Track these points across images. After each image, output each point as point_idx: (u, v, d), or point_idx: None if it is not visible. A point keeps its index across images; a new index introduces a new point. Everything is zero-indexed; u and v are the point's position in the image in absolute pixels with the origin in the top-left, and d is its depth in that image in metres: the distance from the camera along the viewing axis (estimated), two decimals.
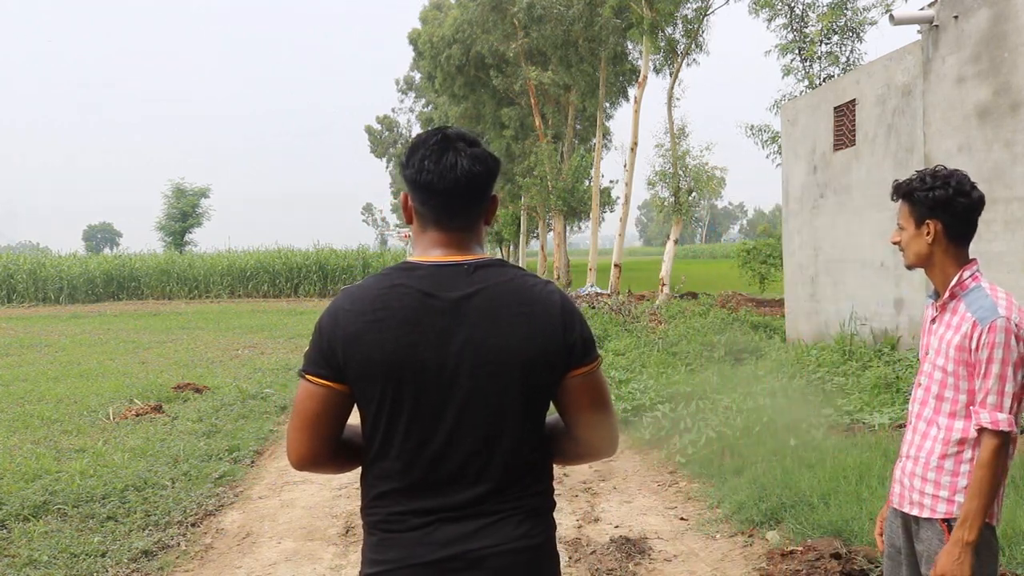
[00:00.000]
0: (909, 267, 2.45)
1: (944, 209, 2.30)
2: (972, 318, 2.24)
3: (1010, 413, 2.19)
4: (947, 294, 2.34)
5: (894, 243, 2.44)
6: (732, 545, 4.68)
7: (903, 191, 2.38)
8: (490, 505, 1.69)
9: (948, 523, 2.28)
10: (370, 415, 1.69)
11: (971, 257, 2.37)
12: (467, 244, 1.73)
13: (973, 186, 2.33)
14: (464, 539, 1.67)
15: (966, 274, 2.32)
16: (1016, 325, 2.20)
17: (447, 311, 1.65)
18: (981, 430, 2.22)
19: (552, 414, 1.79)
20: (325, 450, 1.72)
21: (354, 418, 1.76)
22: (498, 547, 1.67)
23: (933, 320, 2.41)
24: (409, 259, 1.73)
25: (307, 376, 1.69)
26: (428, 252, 1.72)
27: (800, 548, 4.26)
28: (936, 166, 2.39)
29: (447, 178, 1.68)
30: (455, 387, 1.65)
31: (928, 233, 2.33)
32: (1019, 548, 3.89)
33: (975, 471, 2.22)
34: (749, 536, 4.74)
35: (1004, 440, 2.19)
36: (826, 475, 5.13)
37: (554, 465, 1.85)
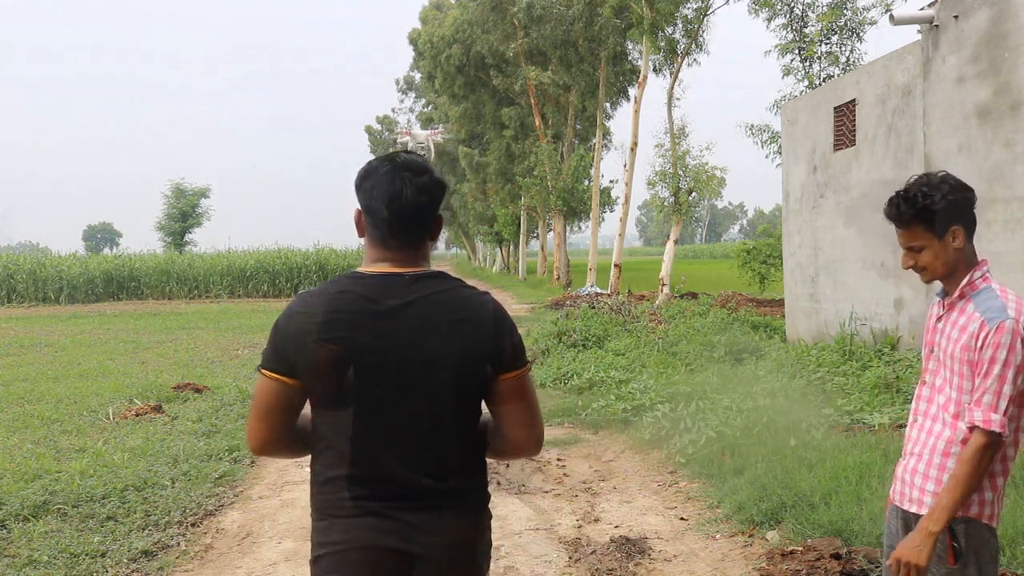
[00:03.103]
0: (929, 281, 2.39)
1: (964, 212, 2.29)
2: (980, 318, 2.23)
3: (1004, 415, 2.17)
4: (956, 293, 2.32)
5: (908, 267, 2.36)
6: (732, 545, 4.68)
7: (913, 213, 2.28)
8: (430, 498, 1.84)
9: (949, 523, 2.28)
10: (320, 408, 1.86)
11: (980, 258, 2.36)
12: (411, 259, 1.90)
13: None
14: (406, 528, 1.82)
15: (976, 274, 2.31)
16: None
17: (388, 316, 1.82)
18: (972, 427, 2.20)
19: (485, 412, 1.96)
20: (280, 437, 1.88)
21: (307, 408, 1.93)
22: (437, 537, 1.83)
23: (939, 319, 2.40)
24: (358, 269, 1.91)
25: (264, 371, 1.85)
26: (374, 264, 1.90)
27: (800, 548, 4.27)
28: (921, 177, 2.33)
29: (393, 206, 1.86)
30: (397, 386, 1.82)
31: (955, 239, 2.29)
32: (1020, 548, 3.88)
33: (956, 466, 2.21)
34: (749, 536, 4.74)
35: (993, 440, 2.18)
36: (826, 475, 5.13)
37: (491, 460, 2.02)
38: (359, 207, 1.93)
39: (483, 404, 1.96)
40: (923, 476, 2.34)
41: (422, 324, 1.83)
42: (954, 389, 2.29)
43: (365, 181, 1.90)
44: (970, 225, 2.32)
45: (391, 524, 1.81)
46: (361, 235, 1.96)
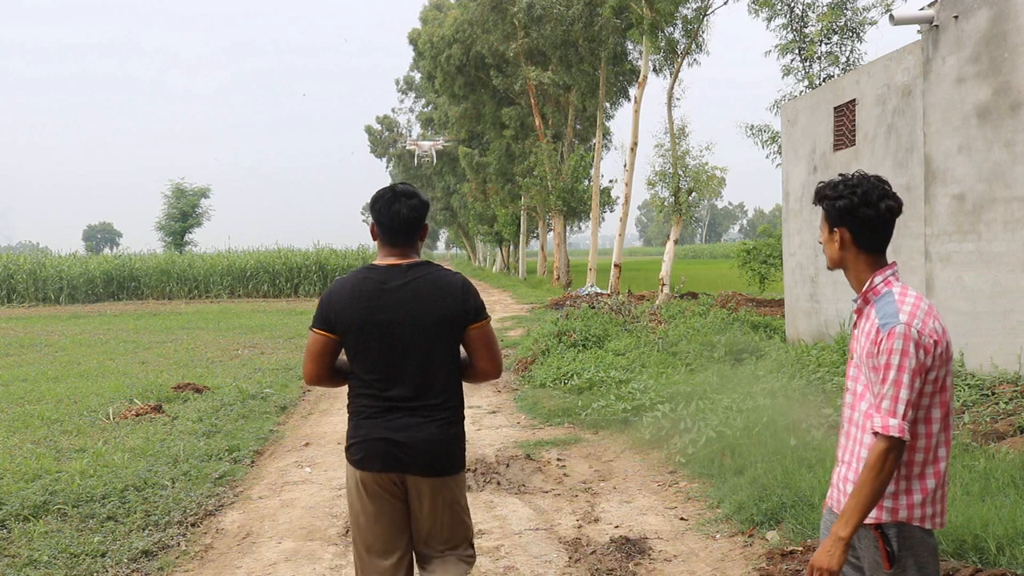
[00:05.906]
0: (830, 268, 2.48)
1: (850, 218, 2.33)
2: (877, 324, 2.25)
3: (903, 419, 2.17)
4: (861, 299, 2.36)
5: (821, 243, 2.49)
6: (732, 545, 4.68)
7: (817, 197, 2.42)
8: (421, 409, 2.83)
9: (880, 528, 2.27)
10: (351, 352, 2.87)
11: (890, 261, 2.37)
12: (407, 254, 2.90)
13: (883, 196, 2.31)
14: (404, 428, 2.81)
15: (877, 279, 2.33)
16: (918, 332, 2.19)
17: (393, 291, 2.82)
18: (874, 433, 2.21)
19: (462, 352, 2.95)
20: (326, 373, 2.92)
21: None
22: (423, 434, 2.81)
23: (854, 325, 2.42)
24: (374, 263, 2.90)
25: (314, 330, 2.88)
26: (384, 259, 2.90)
27: (800, 548, 4.27)
28: (854, 172, 2.39)
29: (394, 221, 2.85)
30: (401, 337, 2.81)
31: (837, 240, 2.37)
32: (1020, 548, 3.88)
33: (861, 471, 2.21)
34: (749, 536, 4.74)
35: (893, 445, 2.17)
36: (826, 475, 5.12)
37: (467, 386, 3.04)
38: (372, 221, 2.90)
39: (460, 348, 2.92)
40: (853, 484, 2.32)
41: (416, 295, 2.81)
42: (872, 395, 2.29)
43: (376, 203, 2.87)
44: (862, 236, 2.34)
45: (394, 424, 2.81)
46: (375, 239, 2.93)
